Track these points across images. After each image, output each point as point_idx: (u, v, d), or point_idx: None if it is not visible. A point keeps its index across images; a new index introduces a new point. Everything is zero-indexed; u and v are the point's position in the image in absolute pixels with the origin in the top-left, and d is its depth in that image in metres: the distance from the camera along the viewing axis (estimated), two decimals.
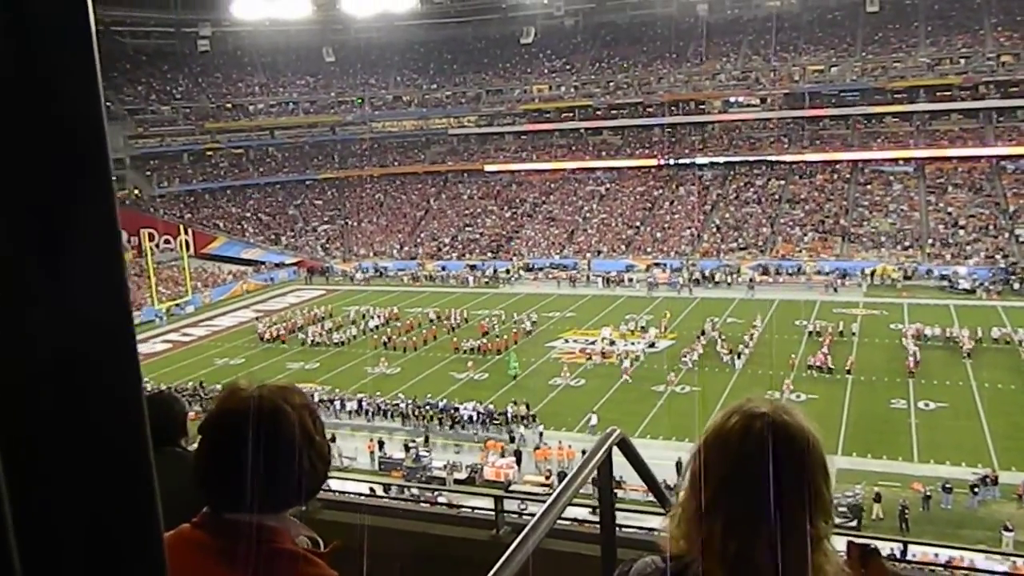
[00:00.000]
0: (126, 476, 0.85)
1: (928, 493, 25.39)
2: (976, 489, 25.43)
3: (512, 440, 31.67)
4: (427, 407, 34.86)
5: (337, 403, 36.06)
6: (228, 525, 1.65)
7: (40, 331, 0.79)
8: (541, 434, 31.61)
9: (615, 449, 2.84)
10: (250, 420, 1.63)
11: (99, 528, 0.83)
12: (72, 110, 0.80)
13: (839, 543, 1.56)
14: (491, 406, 34.34)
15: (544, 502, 2.37)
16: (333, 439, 30.49)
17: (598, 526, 3.07)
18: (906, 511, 24.26)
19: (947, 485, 25.61)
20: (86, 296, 0.81)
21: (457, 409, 34.32)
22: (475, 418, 33.79)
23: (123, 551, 0.85)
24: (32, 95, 0.78)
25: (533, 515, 2.34)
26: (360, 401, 36.06)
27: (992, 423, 30.64)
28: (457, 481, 28.77)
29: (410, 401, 35.46)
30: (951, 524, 24.39)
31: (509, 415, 33.34)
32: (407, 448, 31.57)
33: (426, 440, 32.55)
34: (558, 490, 2.42)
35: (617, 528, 3.20)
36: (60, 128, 0.80)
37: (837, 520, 21.41)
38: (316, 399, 35.82)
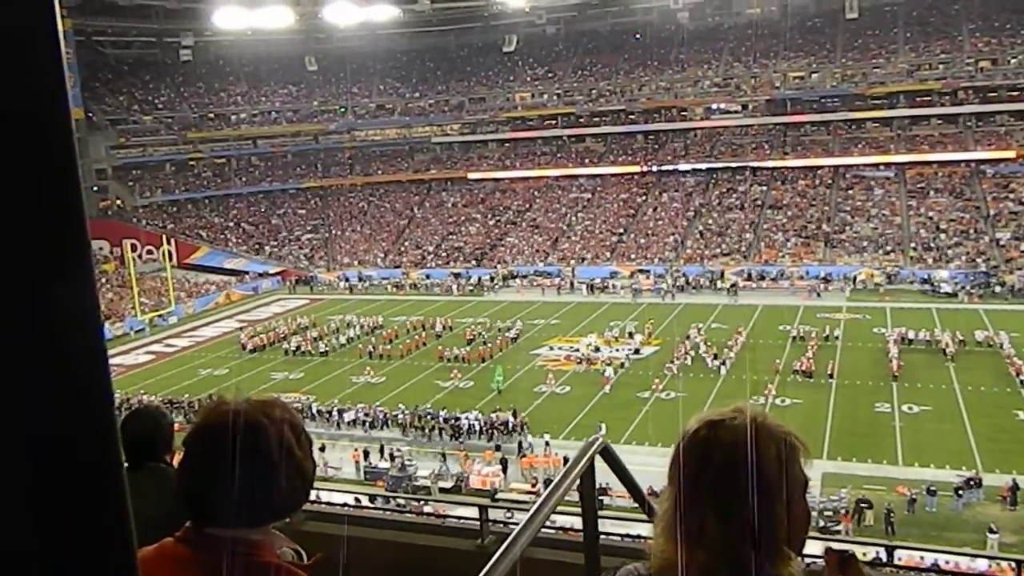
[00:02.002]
0: (97, 493, 0.83)
1: (913, 496, 25.51)
2: (960, 492, 25.56)
3: (520, 449, 31.27)
4: (428, 417, 34.61)
5: (336, 413, 35.81)
6: (209, 539, 1.64)
7: (9, 348, 0.77)
8: (547, 443, 30.93)
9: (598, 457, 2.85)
10: (229, 434, 1.62)
11: (70, 547, 0.81)
12: (42, 129, 0.79)
13: (817, 548, 1.58)
14: (493, 415, 34.03)
15: (529, 511, 2.37)
16: (323, 448, 30.36)
17: (582, 534, 3.08)
18: (891, 514, 24.37)
19: (931, 488, 25.72)
20: (57, 312, 0.80)
21: (459, 419, 34.00)
22: (477, 428, 33.46)
23: (94, 569, 0.84)
24: None
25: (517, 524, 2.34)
26: (359, 411, 35.77)
27: (975, 425, 30.86)
28: (443, 490, 28.67)
29: (410, 412, 35.20)
30: (936, 527, 24.49)
31: (511, 424, 33.16)
32: (392, 457, 31.43)
33: (381, 449, 32.22)
34: (541, 499, 2.43)
35: (601, 536, 3.20)
36: (29, 144, 0.78)
37: (821, 523, 21.48)
38: (314, 410, 35.72)
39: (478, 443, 32.83)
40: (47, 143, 0.79)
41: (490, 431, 33.22)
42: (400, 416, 35.03)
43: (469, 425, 33.57)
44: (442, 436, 33.68)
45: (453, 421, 33.98)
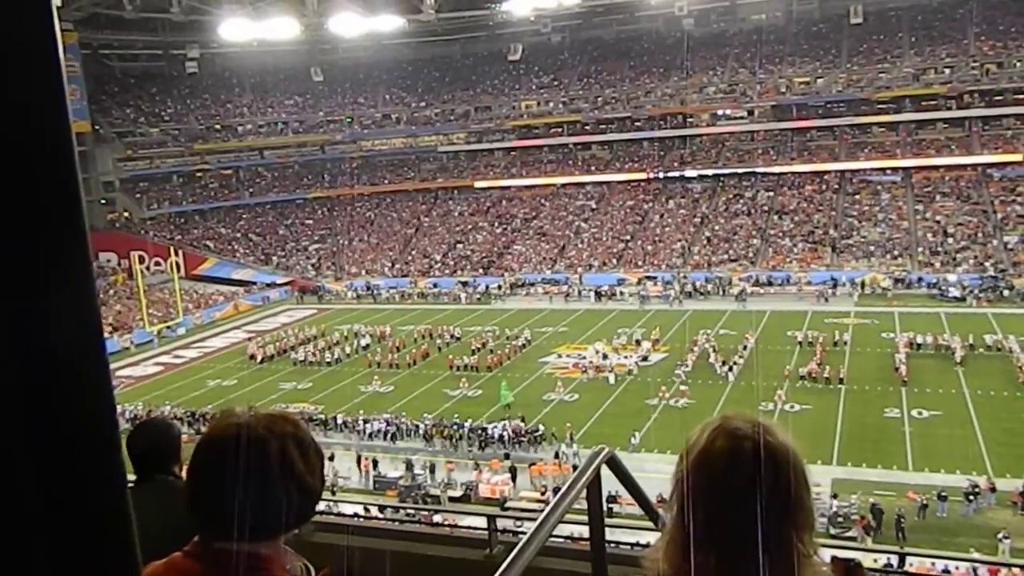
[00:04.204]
0: (100, 508, 0.83)
1: (924, 502, 25.38)
2: (971, 497, 25.44)
3: (557, 458, 30.95)
4: (454, 427, 34.43)
5: (361, 423, 35.68)
6: (217, 553, 1.63)
7: (10, 361, 0.77)
8: (576, 453, 30.51)
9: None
10: (232, 448, 1.61)
11: (73, 563, 0.81)
12: (40, 137, 0.79)
13: (823, 556, 1.57)
14: (519, 424, 33.83)
15: (536, 520, 2.37)
16: (331, 458, 30.27)
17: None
18: (902, 520, 24.25)
19: (942, 493, 25.59)
20: (58, 324, 0.80)
21: (485, 429, 33.82)
22: (505, 437, 33.19)
23: None
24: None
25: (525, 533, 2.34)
26: (382, 421, 35.62)
27: (985, 430, 30.71)
28: (452, 499, 28.64)
29: (433, 422, 35.06)
30: (947, 532, 24.37)
31: (541, 431, 33.06)
32: (410, 466, 31.28)
33: (361, 460, 32.11)
34: (548, 508, 2.43)
35: (609, 545, 3.21)
36: (28, 155, 0.78)
37: (832, 530, 21.36)
38: (339, 421, 35.75)
39: (468, 450, 32.98)
40: (48, 156, 0.79)
41: (518, 440, 32.97)
42: (423, 427, 34.81)
43: (499, 435, 33.29)
44: (468, 446, 33.55)
45: (480, 431, 33.82)
